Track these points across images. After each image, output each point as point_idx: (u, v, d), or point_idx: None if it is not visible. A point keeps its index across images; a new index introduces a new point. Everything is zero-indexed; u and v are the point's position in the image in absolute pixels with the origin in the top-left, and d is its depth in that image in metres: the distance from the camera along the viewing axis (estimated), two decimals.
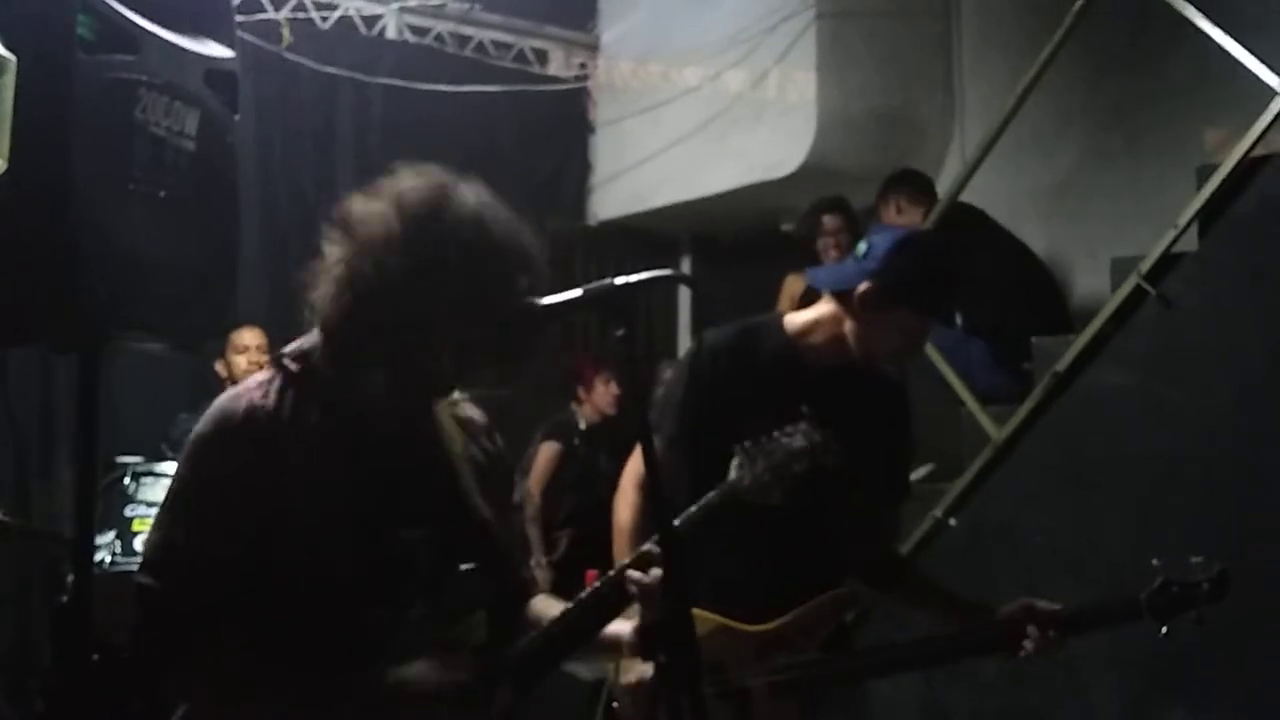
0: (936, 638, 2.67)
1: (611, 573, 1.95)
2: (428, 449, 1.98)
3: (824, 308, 2.69)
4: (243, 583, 1.81)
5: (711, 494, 2.11)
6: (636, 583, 1.89)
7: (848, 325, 2.63)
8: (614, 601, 1.94)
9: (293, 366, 1.90)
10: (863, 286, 2.57)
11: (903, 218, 4.83)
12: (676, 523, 2.03)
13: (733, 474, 2.09)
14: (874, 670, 2.73)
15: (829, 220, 5.13)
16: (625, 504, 2.73)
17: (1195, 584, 2.52)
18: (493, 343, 1.84)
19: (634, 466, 2.76)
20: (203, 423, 1.88)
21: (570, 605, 1.99)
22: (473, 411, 2.13)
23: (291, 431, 1.84)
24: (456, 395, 2.09)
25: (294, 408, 1.86)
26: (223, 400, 1.90)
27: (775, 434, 2.09)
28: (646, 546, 1.92)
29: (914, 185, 4.92)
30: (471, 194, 1.84)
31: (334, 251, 1.83)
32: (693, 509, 2.12)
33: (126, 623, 1.84)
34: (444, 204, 1.82)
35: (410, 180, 1.85)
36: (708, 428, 2.58)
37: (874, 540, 2.84)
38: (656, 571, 1.86)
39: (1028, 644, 2.51)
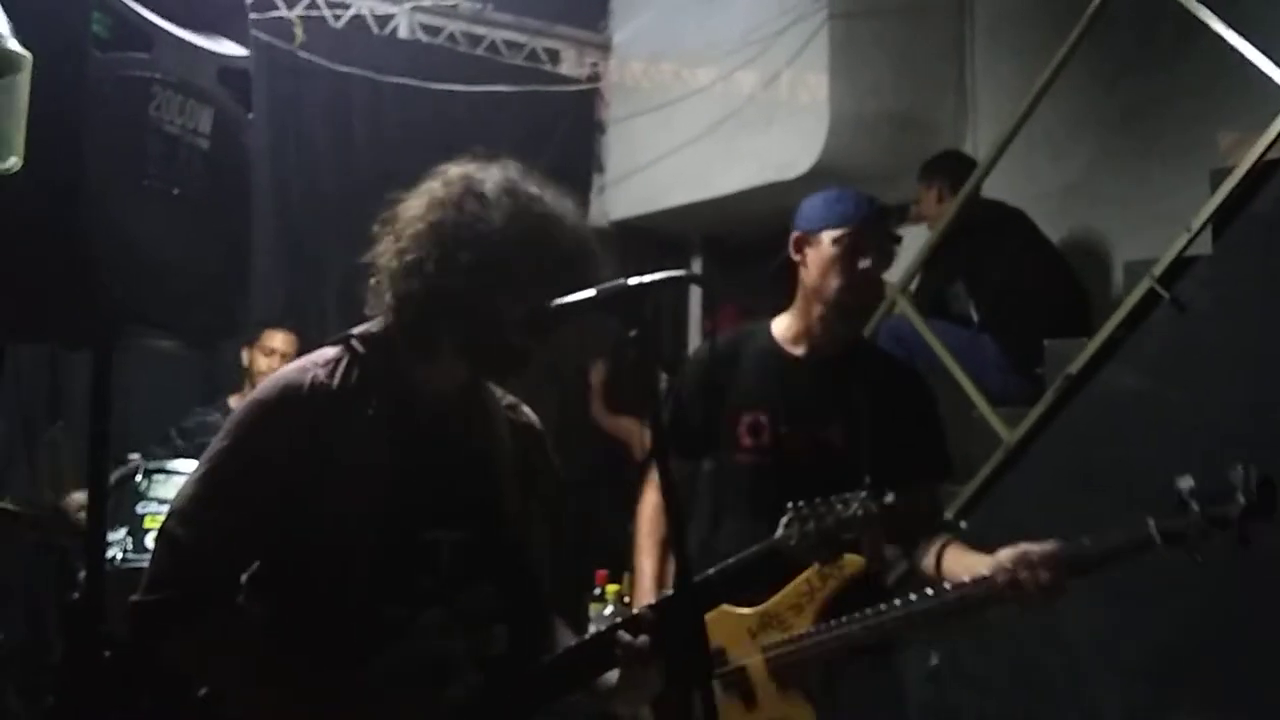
0: (922, 598, 2.50)
1: (602, 629, 1.93)
2: (476, 454, 1.99)
3: (796, 302, 2.82)
4: (266, 554, 1.83)
5: (754, 548, 2.11)
6: (624, 646, 1.87)
7: (808, 290, 2.76)
8: (603, 658, 1.91)
9: (360, 348, 1.92)
10: (791, 239, 2.80)
11: (944, 206, 4.77)
12: (711, 573, 2.04)
13: (780, 531, 2.08)
14: (869, 636, 2.54)
15: None
16: (648, 506, 2.88)
17: (1226, 498, 2.30)
18: (556, 312, 1.85)
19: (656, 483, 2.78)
20: (265, 389, 1.89)
21: (566, 650, 1.98)
22: (530, 418, 2.13)
23: (347, 414, 1.85)
24: (514, 399, 2.11)
25: (355, 390, 1.87)
26: (289, 371, 1.91)
27: (832, 498, 2.08)
28: (641, 609, 1.90)
29: (953, 174, 4.85)
30: (514, 176, 1.89)
31: (387, 243, 1.87)
32: (731, 561, 2.11)
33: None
34: (490, 187, 1.86)
35: (452, 169, 1.90)
36: (707, 428, 2.74)
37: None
38: (645, 638, 1.85)
39: (1021, 591, 2.37)
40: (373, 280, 1.89)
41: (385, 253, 1.88)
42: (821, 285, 2.73)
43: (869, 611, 2.50)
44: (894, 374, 2.86)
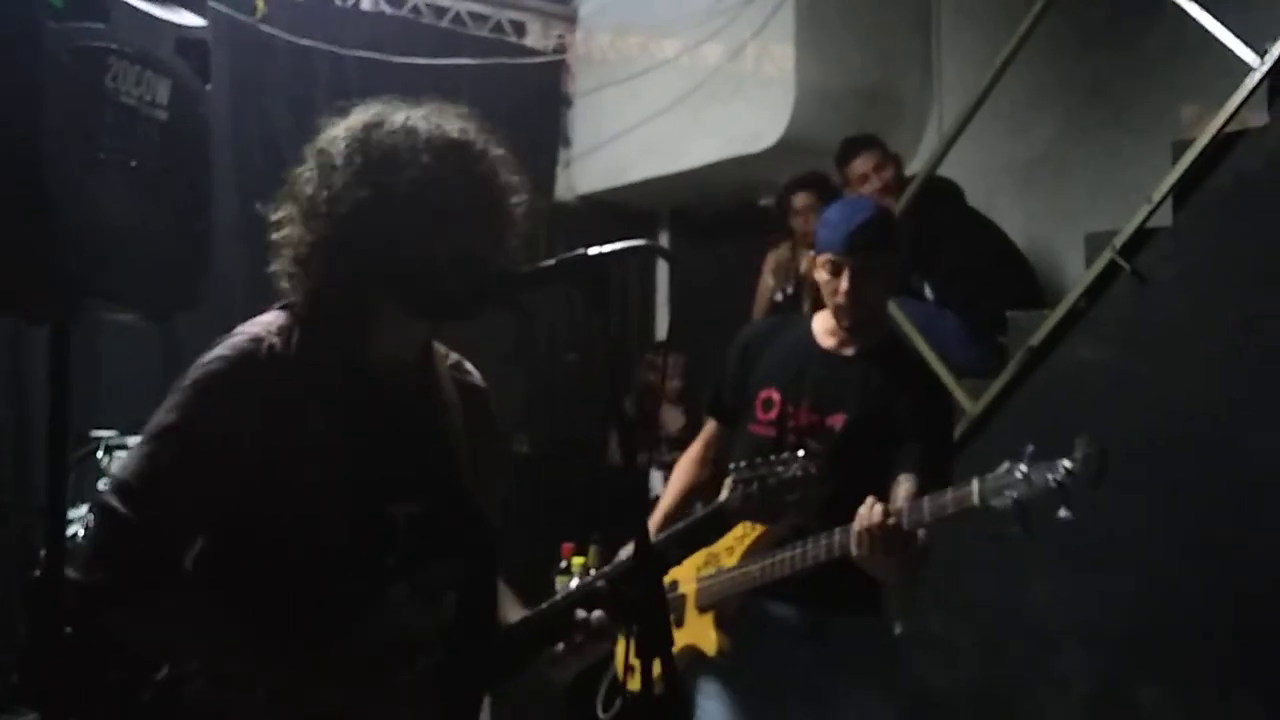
0: (803, 545, 2.68)
1: (557, 601, 1.95)
2: (427, 421, 1.94)
3: None
4: (218, 530, 1.77)
5: (701, 512, 2.17)
6: (580, 623, 1.89)
7: None
8: (558, 630, 1.92)
9: (304, 314, 1.85)
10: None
11: (868, 186, 4.83)
12: (661, 537, 2.13)
13: (724, 494, 2.11)
14: (763, 575, 2.74)
15: (798, 199, 5.16)
16: (684, 456, 3.19)
17: (1053, 464, 2.35)
18: (482, 246, 1.82)
19: (701, 438, 3.16)
20: (218, 356, 1.78)
21: (537, 610, 1.98)
22: (475, 376, 2.10)
23: (304, 382, 1.78)
24: (457, 357, 2.08)
25: (309, 358, 1.80)
26: (240, 339, 1.81)
27: (772, 458, 2.11)
28: (594, 582, 1.93)
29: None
30: (399, 113, 1.89)
31: (287, 212, 1.87)
32: (679, 525, 2.21)
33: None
34: (373, 129, 1.86)
35: (334, 125, 1.93)
36: (739, 399, 2.98)
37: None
38: (600, 613, 1.88)
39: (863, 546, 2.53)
40: (285, 257, 1.85)
41: (294, 225, 1.85)
42: (827, 294, 2.88)
43: (768, 555, 2.73)
44: (912, 377, 2.95)
